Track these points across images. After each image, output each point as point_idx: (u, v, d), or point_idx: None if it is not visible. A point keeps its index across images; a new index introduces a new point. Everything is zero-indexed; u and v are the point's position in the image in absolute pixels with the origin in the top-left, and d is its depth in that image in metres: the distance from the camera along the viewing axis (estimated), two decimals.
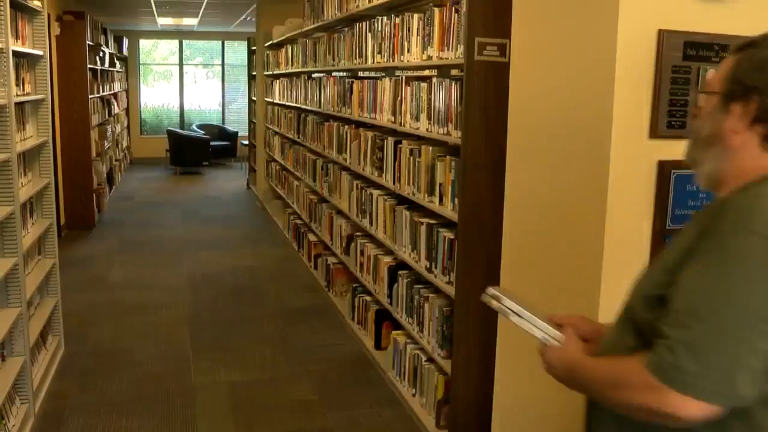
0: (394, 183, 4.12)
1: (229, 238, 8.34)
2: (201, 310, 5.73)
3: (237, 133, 15.33)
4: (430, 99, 3.57)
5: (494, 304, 1.64)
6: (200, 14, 11.50)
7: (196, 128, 15.34)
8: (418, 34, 3.80)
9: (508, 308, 1.63)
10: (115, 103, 12.19)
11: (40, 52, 4.32)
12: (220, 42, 16.07)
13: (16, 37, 3.98)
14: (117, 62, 12.64)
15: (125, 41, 14.55)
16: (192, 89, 16.43)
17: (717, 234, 1.24)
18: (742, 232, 1.21)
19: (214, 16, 11.93)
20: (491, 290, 1.65)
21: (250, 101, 12.19)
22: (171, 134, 13.98)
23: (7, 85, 3.53)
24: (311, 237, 6.83)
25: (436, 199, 3.53)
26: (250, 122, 12.06)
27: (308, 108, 6.89)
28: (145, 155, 15.48)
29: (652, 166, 2.17)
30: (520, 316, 1.61)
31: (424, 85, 3.65)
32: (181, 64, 16.23)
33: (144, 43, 16.16)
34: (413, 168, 3.80)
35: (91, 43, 9.11)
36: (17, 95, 3.96)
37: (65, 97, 8.41)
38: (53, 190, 4.59)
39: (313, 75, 6.90)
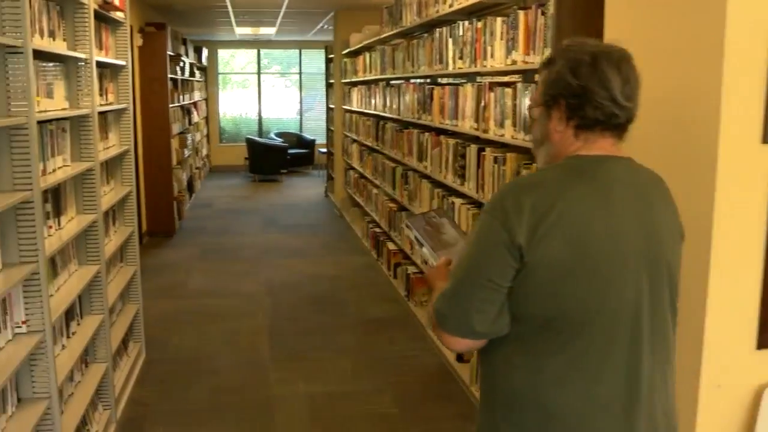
0: (477, 191, 4.01)
1: (307, 246, 8.35)
2: (280, 319, 5.72)
3: (314, 141, 15.40)
4: (515, 105, 3.45)
5: (406, 232, 1.98)
6: (278, 23, 11.59)
7: (274, 136, 15.47)
8: (501, 38, 3.69)
9: (415, 238, 1.95)
10: (195, 112, 12.41)
11: (123, 62, 4.38)
12: (298, 50, 16.19)
13: (100, 48, 4.03)
14: (196, 72, 12.88)
15: (204, 51, 14.82)
16: (270, 98, 16.61)
17: None
18: (484, 210, 1.62)
19: (292, 25, 12.00)
20: (408, 220, 2.01)
21: (328, 109, 12.22)
22: (249, 142, 14.13)
23: (91, 94, 3.56)
24: (390, 245, 6.75)
25: None
26: (328, 130, 12.08)
27: (387, 115, 6.83)
28: (224, 163, 15.72)
29: (765, 175, 2.00)
30: (421, 244, 1.93)
31: (508, 90, 3.53)
32: (258, 73, 16.42)
33: (223, 53, 16.43)
34: (498, 176, 3.68)
35: (171, 54, 9.29)
36: (100, 104, 4.01)
37: (147, 106, 8.58)
38: (135, 198, 4.64)
39: (392, 82, 6.84)
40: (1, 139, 2.63)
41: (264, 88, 16.52)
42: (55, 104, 3.24)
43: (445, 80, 5.32)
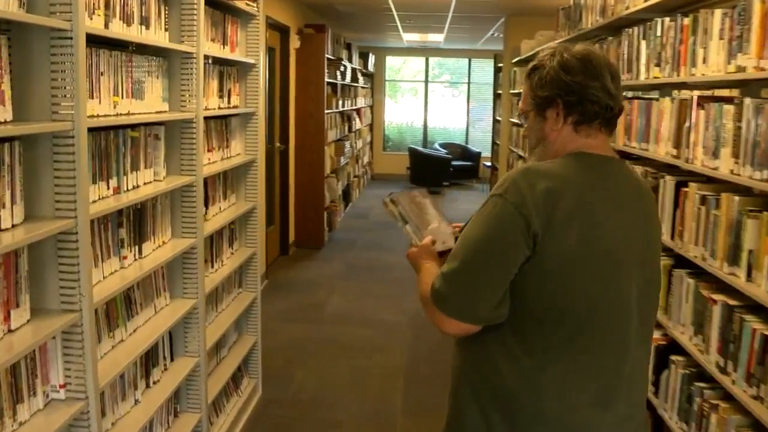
0: (672, 238, 3.03)
1: None
2: (419, 359, 4.94)
3: (480, 153, 14.60)
4: (740, 128, 2.47)
5: (390, 207, 1.90)
6: (446, 29, 10.85)
7: (438, 147, 14.88)
8: (720, 38, 2.72)
9: (399, 214, 1.89)
10: (357, 119, 11.92)
11: (252, 61, 3.76)
12: (467, 60, 15.45)
13: (224, 43, 3.43)
14: (360, 77, 12.36)
15: (371, 57, 14.35)
16: (437, 107, 15.96)
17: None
18: (492, 194, 1.60)
19: (461, 32, 11.24)
20: (392, 195, 1.93)
21: (495, 121, 11.38)
22: (412, 152, 13.61)
23: (196, 95, 2.93)
24: None
25: (742, 273, 2.41)
26: (494, 143, 11.24)
27: None
28: (386, 171, 15.34)
29: None
30: (405, 221, 1.89)
31: (728, 107, 2.55)
32: (426, 82, 15.82)
33: (393, 61, 15.95)
34: (705, 222, 2.71)
35: (332, 57, 8.77)
36: (219, 107, 3.41)
37: (301, 111, 8.09)
38: (263, 213, 4.02)
39: None
40: (44, 151, 2.01)
41: (432, 97, 15.91)
42: (146, 106, 2.63)
43: (631, 93, 4.32)
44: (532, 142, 1.75)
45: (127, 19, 2.43)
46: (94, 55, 2.22)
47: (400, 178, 14.46)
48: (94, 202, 2.27)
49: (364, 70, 13.22)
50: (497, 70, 11.25)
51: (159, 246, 2.79)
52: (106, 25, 2.28)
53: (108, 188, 2.38)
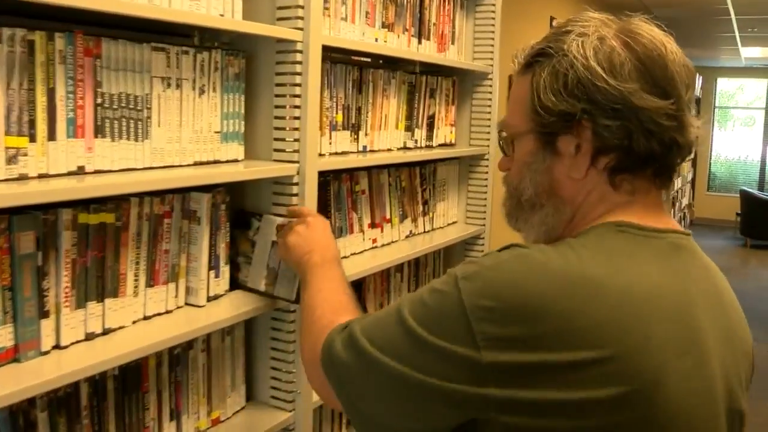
0: None
1: None
2: None
3: None
4: None
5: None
6: None
7: None
8: None
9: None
10: None
11: (482, 69, 3.20)
12: None
13: (418, 36, 2.96)
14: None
15: (699, 79, 13.21)
16: None
17: None
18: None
19: None
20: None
21: None
22: (745, 195, 12.32)
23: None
24: None
25: None
26: None
27: None
28: (709, 216, 14.21)
29: None
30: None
31: None
32: (767, 110, 14.29)
33: (726, 84, 14.61)
34: None
35: None
36: (400, 147, 2.96)
37: None
38: None
39: None
40: None
41: None
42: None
43: None
44: (524, 194, 1.15)
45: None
46: None
47: (727, 226, 13.28)
48: None
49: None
50: None
51: None
52: None
53: None
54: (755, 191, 12.88)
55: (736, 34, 9.24)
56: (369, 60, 2.45)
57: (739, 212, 12.41)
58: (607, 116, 1.05)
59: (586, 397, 0.93)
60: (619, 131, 1.05)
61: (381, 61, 2.51)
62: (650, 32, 1.10)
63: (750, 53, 11.46)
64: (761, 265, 10.39)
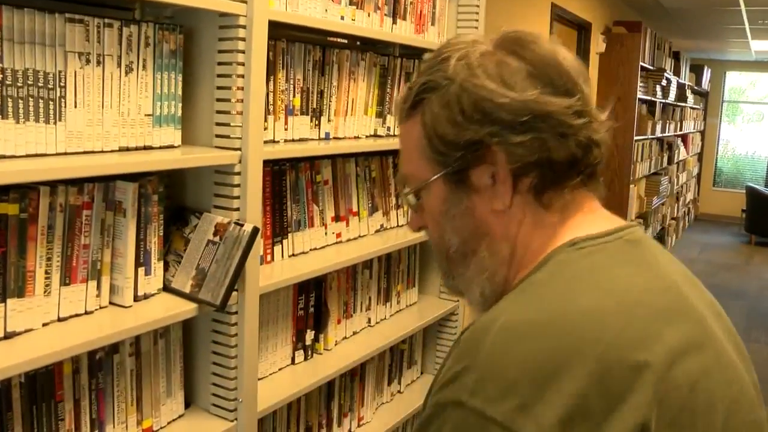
0: None
1: None
2: None
3: None
4: None
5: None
6: None
7: None
8: None
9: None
10: (682, 147, 10.79)
11: None
12: None
13: (393, 16, 2.81)
14: (690, 96, 11.19)
15: (707, 72, 13.04)
16: None
17: None
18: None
19: None
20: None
21: None
22: (751, 191, 12.14)
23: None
24: None
25: None
26: None
27: None
28: (713, 212, 14.00)
29: None
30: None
31: None
32: None
33: (736, 78, 14.42)
34: None
35: (649, 67, 7.83)
36: (370, 134, 2.80)
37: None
38: None
39: None
40: None
41: None
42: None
43: None
44: (450, 245, 1.06)
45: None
46: None
47: (731, 222, 13.09)
48: None
49: (696, 87, 12.00)
50: None
51: None
52: None
53: None
54: (761, 188, 12.72)
55: (746, 26, 9.05)
56: (346, 41, 2.31)
57: (745, 209, 12.27)
58: (517, 132, 0.97)
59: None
60: (533, 144, 0.97)
61: (359, 43, 2.38)
62: (531, 36, 1.03)
63: (760, 46, 11.26)
64: (765, 263, 10.25)
